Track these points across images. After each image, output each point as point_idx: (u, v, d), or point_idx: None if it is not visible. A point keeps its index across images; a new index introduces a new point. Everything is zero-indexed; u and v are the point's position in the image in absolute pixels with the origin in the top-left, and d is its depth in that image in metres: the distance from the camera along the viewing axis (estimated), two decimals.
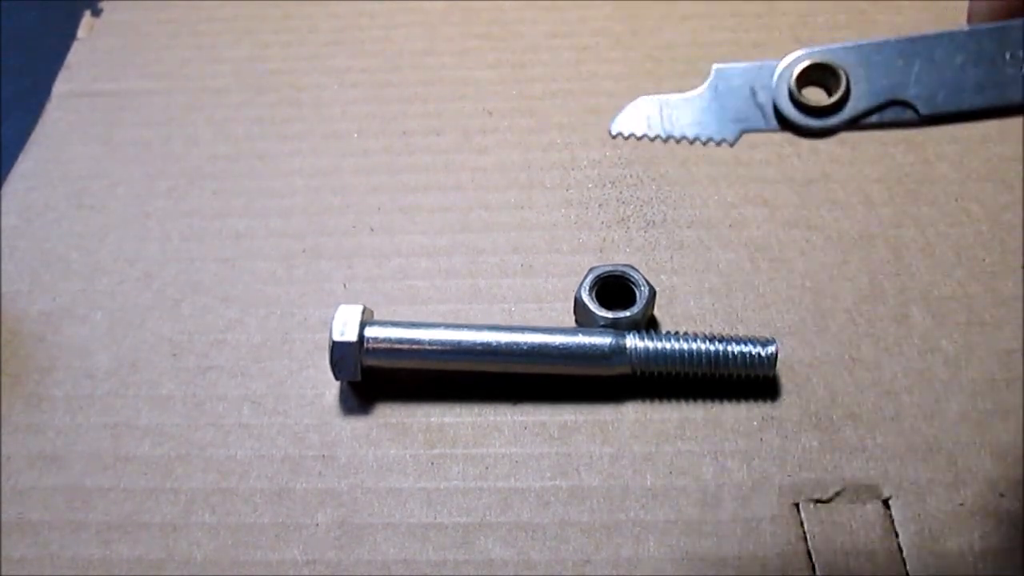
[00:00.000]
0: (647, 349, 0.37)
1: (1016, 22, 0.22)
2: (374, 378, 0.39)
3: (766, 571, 0.33)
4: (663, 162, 0.48)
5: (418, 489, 0.36)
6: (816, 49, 0.23)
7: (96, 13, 0.59)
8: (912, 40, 0.23)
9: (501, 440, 0.38)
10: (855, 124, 0.23)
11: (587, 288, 0.39)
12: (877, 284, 0.42)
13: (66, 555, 0.35)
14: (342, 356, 0.37)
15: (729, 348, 0.37)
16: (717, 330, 0.40)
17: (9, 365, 0.41)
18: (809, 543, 0.34)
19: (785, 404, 0.38)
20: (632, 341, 0.37)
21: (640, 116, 0.25)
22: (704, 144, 0.24)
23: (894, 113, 0.23)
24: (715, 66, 0.24)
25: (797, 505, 0.35)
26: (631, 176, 0.47)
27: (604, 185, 0.47)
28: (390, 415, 0.39)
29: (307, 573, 0.34)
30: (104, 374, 0.41)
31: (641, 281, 0.39)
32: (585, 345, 0.37)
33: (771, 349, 0.37)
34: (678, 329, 0.39)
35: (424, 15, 0.57)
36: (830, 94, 0.23)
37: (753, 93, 0.24)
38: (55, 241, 0.46)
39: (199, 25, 0.58)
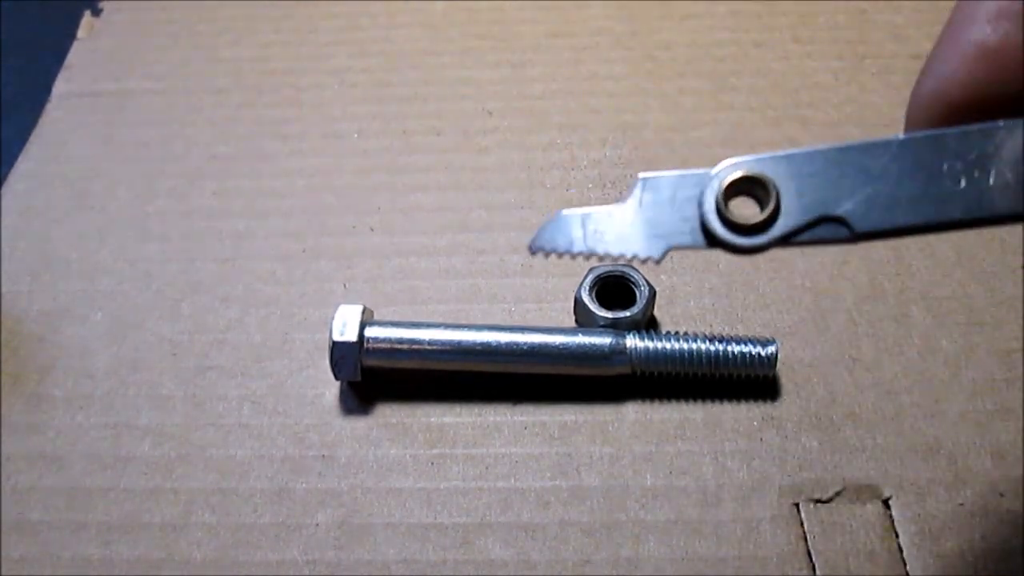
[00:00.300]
0: (647, 349, 0.37)
1: (953, 130, 0.21)
2: (374, 378, 0.39)
3: (766, 571, 0.33)
4: (664, 163, 0.48)
5: (418, 489, 0.36)
6: (746, 159, 0.22)
7: (96, 13, 0.59)
8: (846, 150, 0.22)
9: (501, 440, 0.38)
10: (786, 241, 0.22)
11: (587, 288, 0.39)
12: (877, 284, 0.42)
13: (66, 555, 0.35)
14: (342, 356, 0.37)
15: (729, 348, 0.37)
16: (717, 330, 0.40)
17: (9, 365, 0.41)
18: (809, 543, 0.34)
19: (785, 404, 0.38)
20: (632, 341, 0.37)
21: (562, 232, 0.23)
22: (629, 261, 0.23)
23: (826, 231, 0.22)
24: (641, 176, 0.23)
25: (797, 505, 0.35)
26: (631, 176, 0.47)
27: (604, 185, 0.47)
28: (390, 415, 0.39)
29: (307, 573, 0.34)
30: (104, 374, 0.41)
31: (641, 281, 0.39)
32: (585, 345, 0.37)
33: (771, 349, 0.37)
34: (678, 329, 0.39)
35: (424, 15, 0.57)
36: (761, 207, 0.22)
37: (680, 207, 0.23)
38: (55, 241, 0.46)
39: (199, 25, 0.58)
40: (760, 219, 0.22)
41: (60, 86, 0.54)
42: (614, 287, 0.40)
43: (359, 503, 0.36)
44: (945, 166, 0.21)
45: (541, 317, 0.42)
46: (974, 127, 0.21)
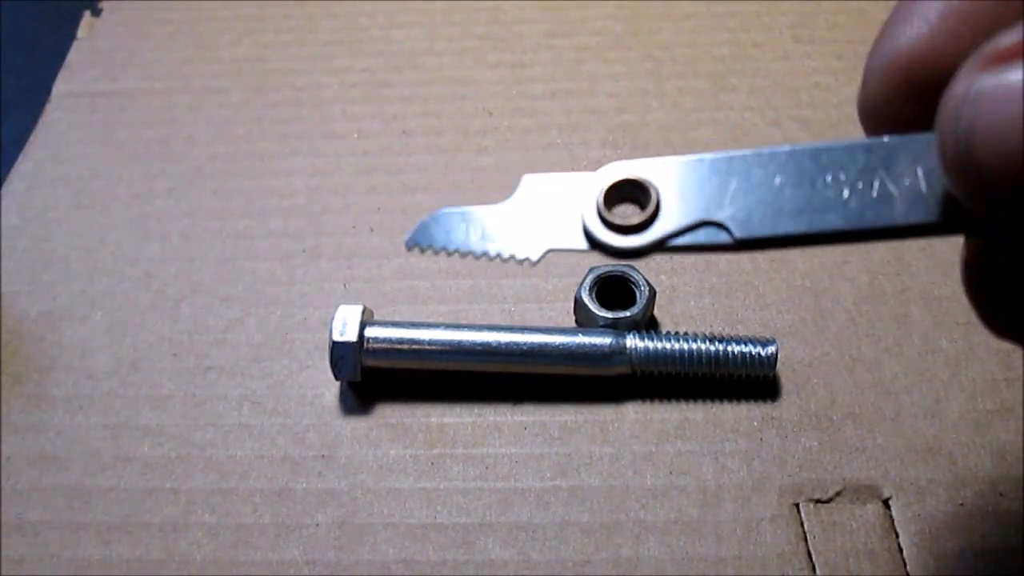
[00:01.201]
0: (647, 349, 0.37)
1: (839, 144, 0.21)
2: (374, 378, 0.39)
3: (766, 571, 0.33)
4: None
5: (418, 489, 0.36)
6: (629, 163, 0.22)
7: (96, 13, 0.59)
8: (731, 158, 0.22)
9: (501, 440, 0.38)
10: (665, 245, 0.22)
11: (587, 288, 0.39)
12: (877, 284, 0.42)
13: (66, 555, 0.35)
14: (342, 356, 0.37)
15: (729, 348, 0.37)
16: (717, 330, 0.40)
17: (9, 365, 0.41)
18: (809, 543, 0.34)
19: (785, 404, 0.38)
20: (632, 341, 0.37)
21: (440, 230, 0.23)
22: (505, 262, 0.23)
23: (707, 235, 0.21)
24: (525, 176, 0.23)
25: (797, 505, 0.35)
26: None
27: None
28: (390, 415, 0.39)
29: (307, 573, 0.34)
30: (104, 374, 0.41)
31: (641, 281, 0.39)
32: (585, 345, 0.37)
33: (771, 349, 0.37)
34: (678, 329, 0.39)
35: (424, 15, 0.57)
36: (642, 210, 0.22)
37: (561, 208, 0.22)
38: (55, 241, 0.46)
39: (199, 25, 0.58)
40: (638, 220, 0.21)
41: (60, 86, 0.54)
42: (614, 287, 0.40)
43: (359, 503, 0.36)
44: (829, 177, 0.21)
45: (541, 317, 0.42)
46: (859, 141, 0.21)
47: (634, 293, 0.39)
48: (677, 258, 0.43)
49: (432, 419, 0.38)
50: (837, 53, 0.53)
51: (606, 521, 0.35)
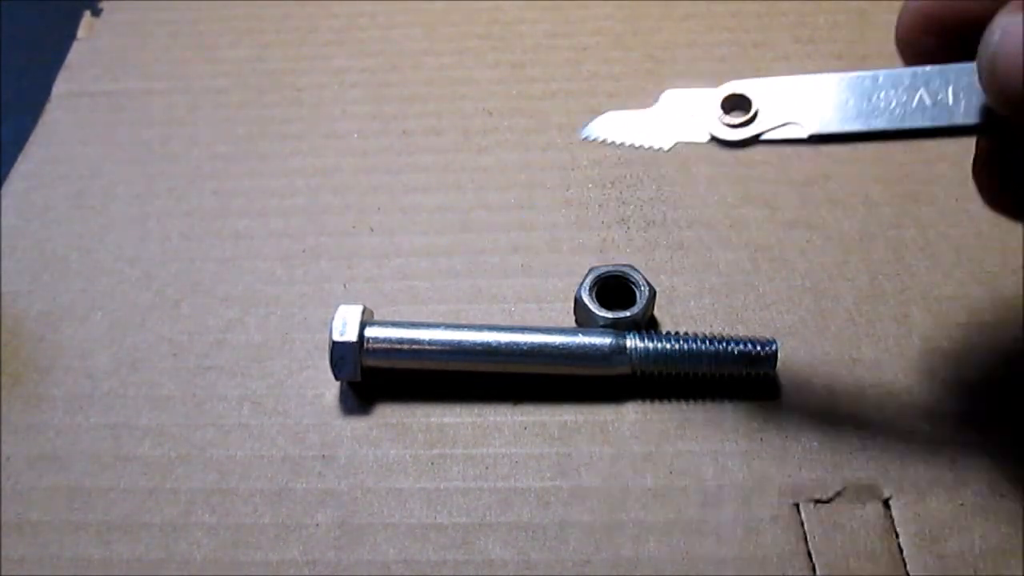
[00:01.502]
0: (647, 349, 0.37)
1: (892, 71, 0.29)
2: (374, 378, 0.39)
3: (766, 571, 0.33)
4: (663, 162, 0.48)
5: (418, 489, 0.36)
6: (738, 81, 0.31)
7: (96, 13, 0.59)
8: (813, 79, 0.31)
9: (501, 440, 0.38)
10: (760, 138, 0.31)
11: (587, 288, 0.39)
12: (877, 284, 0.42)
13: (66, 555, 0.35)
14: (342, 356, 0.37)
15: (729, 348, 0.37)
16: (717, 330, 0.40)
17: (9, 365, 0.41)
18: (809, 543, 0.34)
19: (785, 404, 0.38)
20: (632, 341, 0.37)
21: (607, 126, 0.33)
22: (647, 150, 0.32)
23: (789, 132, 0.30)
24: (665, 91, 0.32)
25: (797, 505, 0.35)
26: (631, 176, 0.47)
27: (604, 185, 0.47)
28: (390, 415, 0.39)
29: (307, 573, 0.34)
30: (104, 374, 0.41)
31: (641, 281, 0.39)
32: (585, 345, 0.37)
33: (771, 349, 0.37)
34: (678, 329, 0.39)
35: (424, 15, 0.57)
36: (745, 114, 0.31)
37: (690, 113, 0.32)
38: (55, 241, 0.46)
39: (199, 25, 0.58)
40: (741, 121, 0.31)
41: (60, 86, 0.54)
42: (614, 287, 0.40)
43: (359, 503, 0.36)
44: (882, 94, 0.29)
45: (541, 317, 0.42)
46: (907, 69, 0.29)
47: (634, 293, 0.39)
48: (677, 258, 0.43)
49: (432, 419, 0.38)
50: (837, 53, 0.53)
51: (606, 521, 0.35)
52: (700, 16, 0.56)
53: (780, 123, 0.30)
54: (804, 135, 0.30)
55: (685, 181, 0.47)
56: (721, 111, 0.31)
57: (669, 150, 0.31)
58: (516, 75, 0.53)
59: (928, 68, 0.29)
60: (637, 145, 0.32)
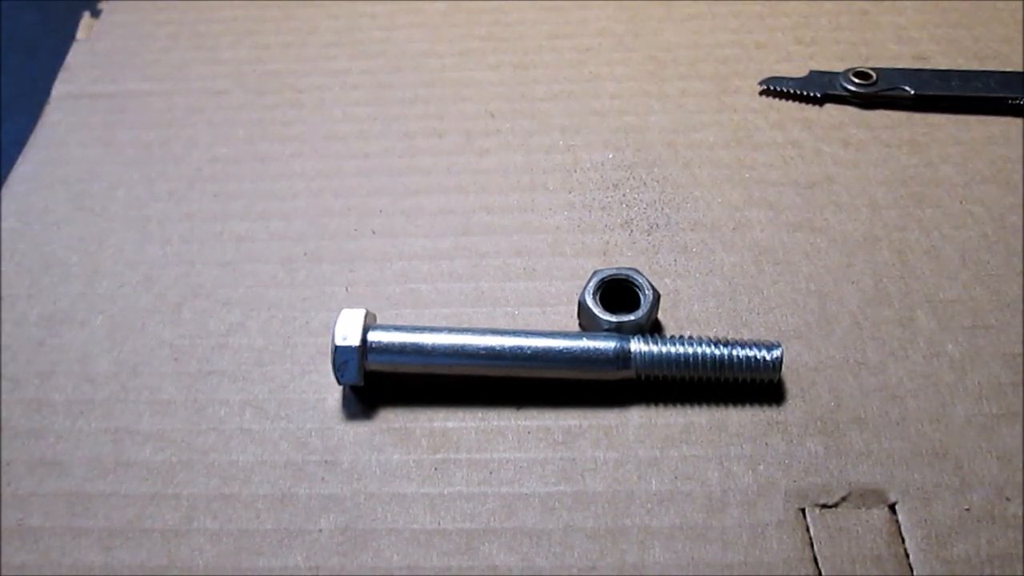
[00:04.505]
0: (651, 353, 0.37)
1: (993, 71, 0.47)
2: (377, 382, 0.39)
3: None
4: (666, 165, 0.47)
5: (422, 494, 0.36)
6: (868, 65, 0.48)
7: (95, 14, 0.59)
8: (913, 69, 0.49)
9: (505, 445, 0.37)
10: (878, 97, 0.48)
11: (591, 291, 0.39)
12: (882, 287, 0.41)
13: (67, 561, 0.35)
14: (345, 360, 0.37)
15: (734, 352, 0.37)
16: (721, 334, 0.40)
17: (9, 370, 0.41)
18: (815, 548, 0.34)
19: (790, 408, 0.38)
20: (636, 345, 0.37)
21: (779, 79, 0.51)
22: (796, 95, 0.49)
23: (897, 92, 0.48)
24: (811, 69, 0.51)
25: (803, 510, 0.35)
26: (634, 179, 0.47)
27: (607, 188, 0.47)
28: (393, 420, 0.38)
29: None
30: (104, 379, 0.40)
31: (645, 284, 0.39)
32: (589, 349, 0.37)
33: (776, 353, 0.37)
34: (682, 333, 0.39)
35: (425, 16, 0.57)
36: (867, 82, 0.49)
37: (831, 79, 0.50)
38: (55, 244, 0.46)
39: (199, 26, 0.57)
40: (868, 83, 0.48)
41: (59, 87, 0.54)
42: (618, 291, 0.39)
43: (362, 509, 0.36)
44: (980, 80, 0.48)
45: (545, 321, 0.41)
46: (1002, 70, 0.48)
47: (638, 297, 0.39)
48: (681, 261, 0.43)
49: (435, 424, 0.38)
50: (839, 54, 0.53)
51: (611, 527, 0.35)
52: (702, 17, 0.56)
53: (890, 86, 0.48)
54: (910, 94, 0.48)
55: (688, 183, 0.46)
56: (852, 76, 0.49)
57: (822, 105, 0.49)
58: (518, 77, 0.53)
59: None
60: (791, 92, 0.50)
